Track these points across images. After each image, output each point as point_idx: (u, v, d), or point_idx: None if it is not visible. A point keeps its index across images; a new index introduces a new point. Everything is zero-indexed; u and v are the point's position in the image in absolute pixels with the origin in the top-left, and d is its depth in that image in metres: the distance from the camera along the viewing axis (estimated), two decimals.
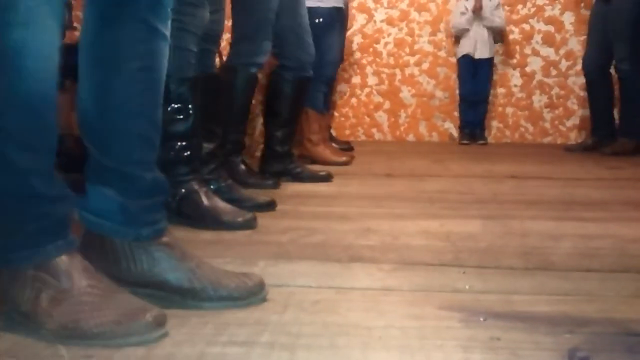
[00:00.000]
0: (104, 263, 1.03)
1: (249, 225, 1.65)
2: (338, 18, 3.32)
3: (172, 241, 1.07)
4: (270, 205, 1.90)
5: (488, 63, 4.44)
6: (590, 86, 4.01)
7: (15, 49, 0.85)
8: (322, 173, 2.58)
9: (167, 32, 1.05)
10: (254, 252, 1.41)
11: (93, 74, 1.02)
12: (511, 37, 4.61)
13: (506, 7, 4.58)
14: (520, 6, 4.59)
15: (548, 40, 4.58)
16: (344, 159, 3.14)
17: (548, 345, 0.90)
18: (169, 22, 1.06)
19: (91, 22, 1.02)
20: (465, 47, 4.42)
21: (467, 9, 4.38)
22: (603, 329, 0.96)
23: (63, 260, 0.92)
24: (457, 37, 4.54)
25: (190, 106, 1.65)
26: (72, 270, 0.91)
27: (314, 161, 3.06)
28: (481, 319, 0.99)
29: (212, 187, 1.80)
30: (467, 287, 1.16)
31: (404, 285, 1.18)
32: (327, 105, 3.51)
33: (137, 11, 1.00)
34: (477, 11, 4.32)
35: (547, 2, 4.56)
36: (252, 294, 1.06)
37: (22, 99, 0.87)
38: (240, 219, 1.65)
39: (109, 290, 0.92)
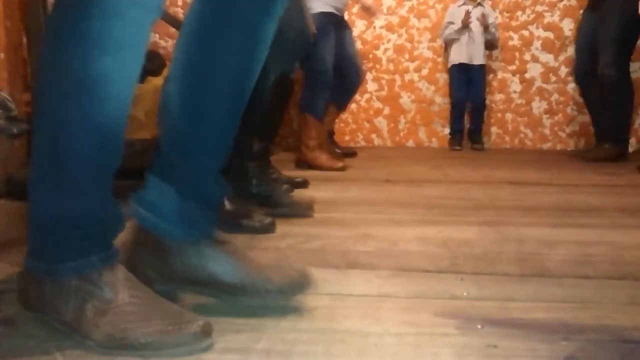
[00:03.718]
0: (154, 259, 1.03)
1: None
2: (330, 23, 3.18)
3: (221, 239, 1.07)
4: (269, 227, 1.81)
5: (481, 69, 4.44)
6: (583, 92, 4.00)
7: (101, 76, 0.85)
8: (298, 179, 2.51)
9: (270, 38, 1.03)
10: None
11: (185, 74, 1.01)
12: (510, 43, 4.62)
13: (505, 14, 4.60)
14: (519, 12, 4.61)
15: (547, 47, 4.59)
16: (339, 165, 3.14)
17: (543, 352, 0.90)
18: (273, 25, 1.02)
19: (193, 21, 1.01)
20: (456, 57, 4.43)
21: (458, 17, 4.37)
22: (598, 337, 0.96)
23: (107, 271, 0.91)
24: (448, 46, 4.55)
25: None
26: (116, 281, 0.91)
27: (310, 166, 3.07)
28: (479, 326, 0.99)
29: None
30: (464, 293, 1.16)
31: (400, 292, 1.18)
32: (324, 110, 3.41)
33: (241, 11, 0.98)
34: (466, 22, 4.33)
35: (547, 8, 4.58)
36: (299, 287, 1.06)
37: (100, 123, 0.87)
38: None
39: (151, 300, 0.92)
